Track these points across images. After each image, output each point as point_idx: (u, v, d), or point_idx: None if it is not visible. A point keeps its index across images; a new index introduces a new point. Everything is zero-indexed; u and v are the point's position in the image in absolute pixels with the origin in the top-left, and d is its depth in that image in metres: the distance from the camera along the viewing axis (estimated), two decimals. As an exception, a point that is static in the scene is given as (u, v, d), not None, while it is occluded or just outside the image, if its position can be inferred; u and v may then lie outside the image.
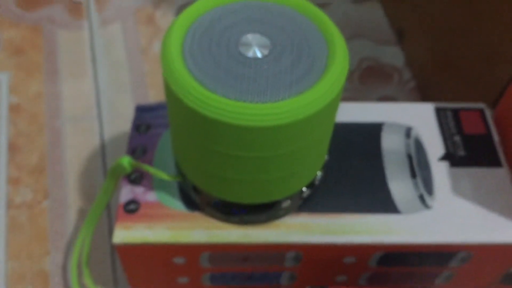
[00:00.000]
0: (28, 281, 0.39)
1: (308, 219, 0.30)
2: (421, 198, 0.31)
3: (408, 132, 0.34)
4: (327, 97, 0.24)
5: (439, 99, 0.46)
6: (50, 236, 0.41)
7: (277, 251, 0.30)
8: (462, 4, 0.40)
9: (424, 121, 0.35)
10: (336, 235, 0.30)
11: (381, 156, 0.33)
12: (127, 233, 0.30)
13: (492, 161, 0.33)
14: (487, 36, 0.38)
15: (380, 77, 0.51)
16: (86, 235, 0.35)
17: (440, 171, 0.32)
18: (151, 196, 0.31)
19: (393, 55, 0.52)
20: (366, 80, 0.50)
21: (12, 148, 0.46)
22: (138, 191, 0.31)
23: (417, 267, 0.32)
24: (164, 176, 0.30)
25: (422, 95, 0.49)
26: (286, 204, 0.29)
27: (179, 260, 0.31)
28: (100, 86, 0.50)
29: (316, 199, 0.31)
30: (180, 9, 0.56)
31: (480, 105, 0.35)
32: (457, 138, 0.34)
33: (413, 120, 0.35)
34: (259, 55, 0.25)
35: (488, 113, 0.35)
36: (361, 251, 0.30)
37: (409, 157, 0.33)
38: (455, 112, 0.35)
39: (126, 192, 0.31)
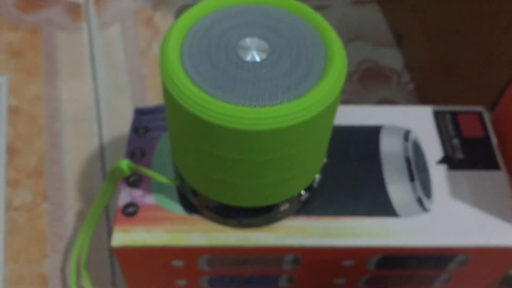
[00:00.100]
0: (27, 283, 0.39)
1: (307, 222, 0.30)
2: (419, 201, 0.31)
3: (406, 135, 0.34)
4: (325, 101, 0.24)
5: (438, 102, 0.46)
6: (49, 239, 0.41)
7: (275, 254, 0.30)
8: (460, 7, 0.40)
9: (423, 124, 0.35)
10: (334, 238, 0.30)
11: (379, 159, 0.33)
12: (125, 236, 0.30)
13: (490, 164, 0.33)
14: (485, 39, 0.38)
15: (379, 79, 0.51)
16: (85, 238, 0.35)
17: (438, 174, 0.32)
18: (149, 199, 0.31)
19: (392, 58, 0.52)
20: (365, 83, 0.50)
21: (11, 150, 0.46)
22: (137, 194, 0.31)
23: (415, 270, 0.32)
24: (162, 179, 0.30)
25: (421, 98, 0.49)
26: (284, 207, 0.30)
27: (177, 263, 0.31)
28: (99, 88, 0.50)
29: (315, 202, 0.31)
30: (179, 11, 0.56)
31: (479, 108, 0.35)
32: (455, 141, 0.34)
33: (412, 123, 0.35)
34: (257, 59, 0.25)
35: (487, 116, 0.35)
36: (360, 254, 0.30)
37: (408, 160, 0.33)
38: (454, 115, 0.35)
39: (125, 195, 0.31)
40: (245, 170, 0.26)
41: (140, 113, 0.35)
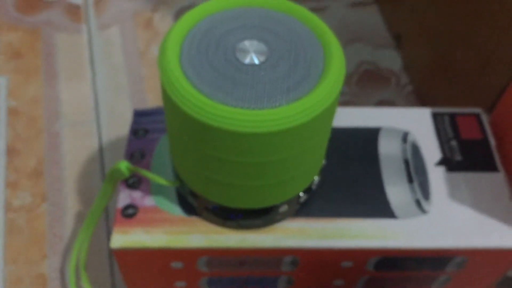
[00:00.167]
0: (26, 284, 0.39)
1: (305, 224, 0.30)
2: (418, 203, 0.31)
3: (405, 137, 0.34)
4: (324, 103, 0.24)
5: (437, 103, 0.46)
6: (48, 239, 0.41)
7: (274, 255, 0.30)
8: (459, 10, 0.41)
9: (421, 126, 0.35)
10: (333, 240, 0.30)
11: (378, 161, 0.33)
12: (125, 237, 0.30)
13: (488, 166, 0.33)
14: (484, 41, 0.38)
15: (378, 81, 0.51)
16: (84, 239, 0.35)
17: (436, 176, 0.33)
18: (149, 201, 0.31)
19: (390, 60, 0.52)
20: (364, 84, 0.51)
21: (11, 152, 0.46)
22: (136, 196, 0.31)
23: (413, 272, 0.32)
24: (161, 181, 0.30)
25: (420, 99, 0.49)
26: (283, 209, 0.30)
27: (177, 265, 0.31)
28: (99, 89, 0.50)
29: (313, 204, 0.31)
30: (178, 13, 0.56)
31: (477, 110, 0.36)
32: (453, 143, 0.34)
33: (410, 125, 0.35)
34: (256, 61, 0.25)
35: (485, 118, 0.35)
36: (358, 255, 0.30)
37: (406, 162, 0.33)
38: (452, 117, 0.35)
39: (124, 197, 0.31)
40: (244, 172, 0.26)
41: (139, 115, 0.35)
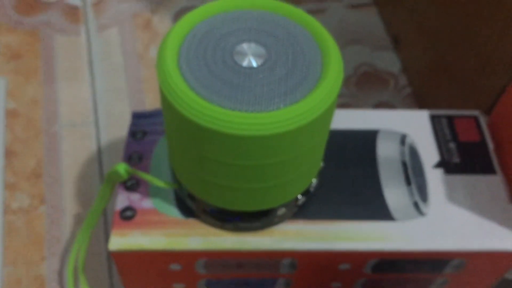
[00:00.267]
0: (24, 286, 0.39)
1: (303, 226, 0.30)
2: (416, 205, 0.31)
3: (403, 139, 0.34)
4: (321, 107, 0.24)
5: (435, 105, 0.46)
6: (47, 241, 0.41)
7: (272, 258, 0.30)
8: (458, 12, 0.41)
9: (419, 128, 0.35)
10: (331, 242, 0.30)
11: (376, 163, 0.33)
12: (123, 240, 0.30)
13: (486, 168, 0.33)
14: (482, 43, 0.38)
15: (376, 83, 0.51)
16: (83, 241, 0.35)
17: (434, 178, 0.33)
18: (147, 203, 0.31)
19: (389, 61, 0.52)
20: (363, 86, 0.51)
21: (9, 154, 0.46)
22: (134, 198, 0.31)
23: (411, 274, 0.32)
24: (159, 183, 0.30)
25: (418, 101, 0.49)
26: (281, 211, 0.30)
27: (175, 267, 0.31)
28: (97, 91, 0.50)
29: (311, 207, 0.31)
30: (177, 15, 0.56)
31: (475, 112, 0.36)
32: (452, 145, 0.34)
33: (408, 127, 0.35)
34: (254, 64, 0.25)
35: (483, 121, 0.35)
36: (356, 258, 0.30)
37: (404, 164, 0.33)
38: (450, 119, 0.35)
39: (122, 199, 0.31)
40: (241, 175, 0.26)
41: (138, 117, 0.35)
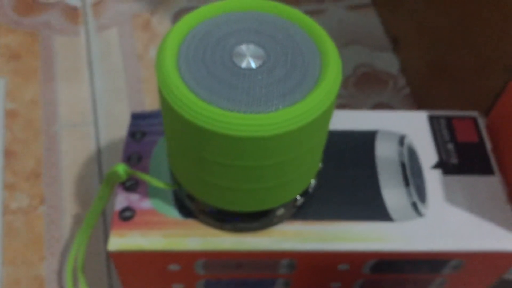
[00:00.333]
0: (23, 286, 0.39)
1: (302, 227, 0.30)
2: (414, 206, 0.31)
3: (401, 140, 0.34)
4: (320, 108, 0.24)
5: (433, 106, 0.46)
6: (46, 242, 0.41)
7: (271, 258, 0.30)
8: (456, 13, 0.41)
9: (418, 129, 0.35)
10: (329, 243, 0.30)
11: (374, 164, 0.33)
12: (122, 240, 0.30)
13: (484, 169, 0.33)
14: (480, 45, 0.38)
15: (375, 83, 0.51)
16: (82, 241, 0.36)
17: (433, 179, 0.33)
18: (146, 204, 0.31)
19: (388, 62, 0.53)
20: (362, 87, 0.51)
21: (8, 154, 0.46)
22: (133, 199, 0.31)
23: (410, 274, 0.32)
24: (158, 184, 0.30)
25: (417, 102, 0.49)
26: (280, 212, 0.30)
27: (174, 267, 0.31)
28: (97, 92, 0.50)
29: (310, 207, 0.31)
30: (177, 15, 0.56)
31: (473, 113, 0.36)
32: (450, 146, 0.34)
33: (407, 128, 0.35)
34: (253, 65, 0.25)
35: (481, 122, 0.35)
36: (355, 258, 0.31)
37: (403, 165, 0.33)
38: (448, 120, 0.35)
39: (121, 200, 0.31)
40: (240, 176, 0.26)
41: (137, 118, 0.35)
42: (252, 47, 0.26)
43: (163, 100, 0.25)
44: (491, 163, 0.33)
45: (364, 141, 0.34)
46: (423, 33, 0.46)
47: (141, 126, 0.34)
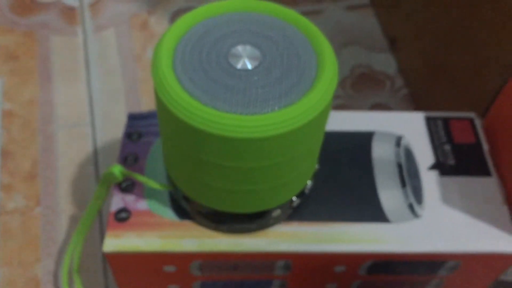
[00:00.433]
0: (19, 287, 0.39)
1: (298, 228, 0.30)
2: (411, 207, 0.31)
3: (398, 141, 0.34)
4: (316, 109, 0.24)
5: (431, 107, 0.46)
6: (42, 242, 0.41)
7: (267, 259, 0.30)
8: (454, 13, 0.41)
9: (415, 130, 0.35)
10: (326, 244, 0.30)
11: (371, 165, 0.33)
12: (117, 241, 0.30)
13: (481, 170, 0.33)
14: (478, 46, 0.38)
15: (373, 84, 0.51)
16: (78, 242, 0.35)
17: (429, 180, 0.33)
18: (142, 205, 0.31)
19: (385, 63, 0.53)
20: (359, 87, 0.51)
21: (5, 154, 0.46)
22: (129, 200, 0.31)
23: (406, 276, 0.32)
24: (154, 185, 0.30)
25: (414, 103, 0.49)
26: (276, 213, 0.30)
27: (169, 269, 0.31)
28: (94, 92, 0.50)
29: (306, 208, 0.31)
30: (174, 15, 0.56)
31: (470, 114, 0.36)
32: (447, 147, 0.34)
33: (404, 129, 0.35)
34: (249, 66, 0.25)
35: (478, 123, 0.35)
36: (351, 259, 0.30)
37: (399, 166, 0.33)
38: (445, 121, 0.35)
39: (117, 201, 0.31)
40: (236, 177, 0.26)
41: (134, 118, 0.35)
42: (248, 48, 0.26)
43: (159, 101, 0.25)
44: (488, 164, 0.33)
45: (361, 142, 0.34)
46: (421, 34, 0.46)
47: (138, 127, 0.34)
